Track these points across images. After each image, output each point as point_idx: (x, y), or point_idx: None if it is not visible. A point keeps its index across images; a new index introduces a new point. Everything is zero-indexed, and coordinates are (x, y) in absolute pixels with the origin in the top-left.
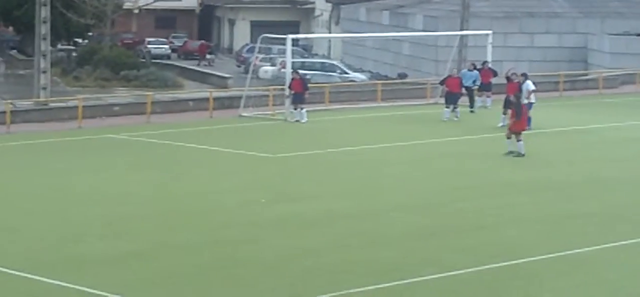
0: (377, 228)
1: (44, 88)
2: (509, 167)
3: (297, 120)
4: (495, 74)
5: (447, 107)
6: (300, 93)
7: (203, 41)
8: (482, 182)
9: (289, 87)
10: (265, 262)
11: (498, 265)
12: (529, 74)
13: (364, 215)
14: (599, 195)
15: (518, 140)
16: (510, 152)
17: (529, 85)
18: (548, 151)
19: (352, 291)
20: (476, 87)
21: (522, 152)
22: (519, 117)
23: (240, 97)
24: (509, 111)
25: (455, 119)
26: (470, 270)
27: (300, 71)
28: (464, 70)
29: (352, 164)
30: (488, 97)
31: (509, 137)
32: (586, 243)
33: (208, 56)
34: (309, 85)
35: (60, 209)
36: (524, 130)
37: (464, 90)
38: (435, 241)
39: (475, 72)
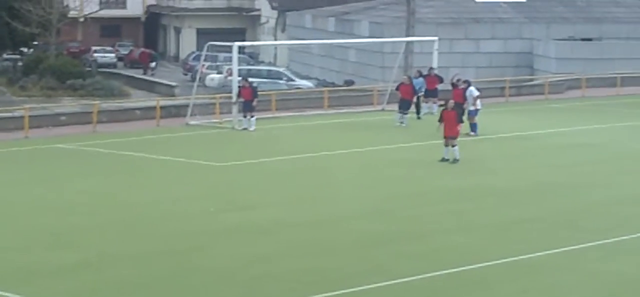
0: (327, 236)
1: None
2: (455, 174)
3: (245, 129)
4: (441, 80)
5: (399, 113)
6: (249, 101)
7: (143, 49)
8: (429, 188)
9: (238, 95)
10: (215, 271)
11: (447, 271)
12: (474, 79)
13: (313, 223)
14: (543, 201)
15: (452, 146)
16: (445, 159)
17: (473, 91)
18: (493, 157)
19: None
20: (422, 94)
21: (457, 157)
22: (460, 121)
23: (187, 106)
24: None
25: (403, 125)
26: (420, 277)
27: (248, 79)
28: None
29: (300, 172)
30: (434, 103)
31: (447, 145)
32: (532, 249)
33: (151, 65)
34: (258, 92)
35: (8, 220)
36: (455, 136)
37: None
38: (384, 248)
39: (421, 79)
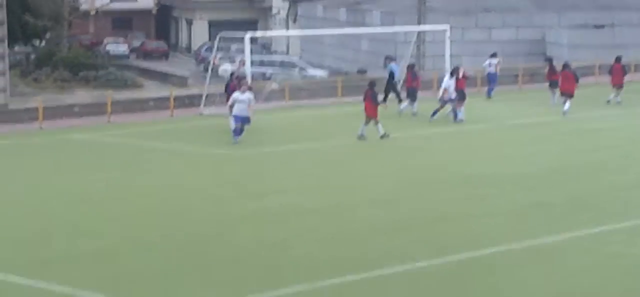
0: (343, 222)
1: (4, 90)
2: (471, 160)
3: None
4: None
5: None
6: None
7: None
8: (445, 175)
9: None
10: (233, 257)
11: (465, 256)
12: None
13: (329, 210)
14: (561, 185)
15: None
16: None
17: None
18: (509, 144)
19: (319, 284)
20: (397, 81)
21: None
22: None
23: (200, 96)
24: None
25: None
26: (437, 262)
27: (260, 69)
28: (393, 65)
29: (314, 160)
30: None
31: (366, 123)
32: (551, 232)
33: None
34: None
35: (25, 210)
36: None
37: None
38: (401, 234)
39: (394, 64)
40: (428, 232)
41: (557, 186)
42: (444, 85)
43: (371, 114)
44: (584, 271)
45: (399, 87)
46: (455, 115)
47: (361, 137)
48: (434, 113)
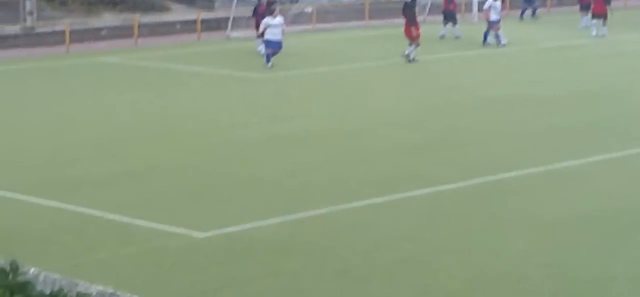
0: (368, 145)
1: (31, 13)
2: (495, 83)
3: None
4: None
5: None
6: None
7: None
8: (469, 98)
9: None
10: (258, 180)
11: (487, 179)
12: None
13: (355, 132)
14: (586, 109)
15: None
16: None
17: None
18: (535, 67)
19: (345, 205)
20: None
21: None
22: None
23: (227, 19)
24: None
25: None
26: (459, 184)
27: None
28: None
29: (341, 83)
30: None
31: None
32: (573, 156)
33: None
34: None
35: (52, 133)
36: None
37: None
38: (425, 156)
39: None
40: (453, 154)
41: (584, 108)
42: (486, 6)
43: (407, 34)
44: (609, 194)
45: (426, 10)
46: (485, 38)
47: (404, 56)
48: (499, 40)
